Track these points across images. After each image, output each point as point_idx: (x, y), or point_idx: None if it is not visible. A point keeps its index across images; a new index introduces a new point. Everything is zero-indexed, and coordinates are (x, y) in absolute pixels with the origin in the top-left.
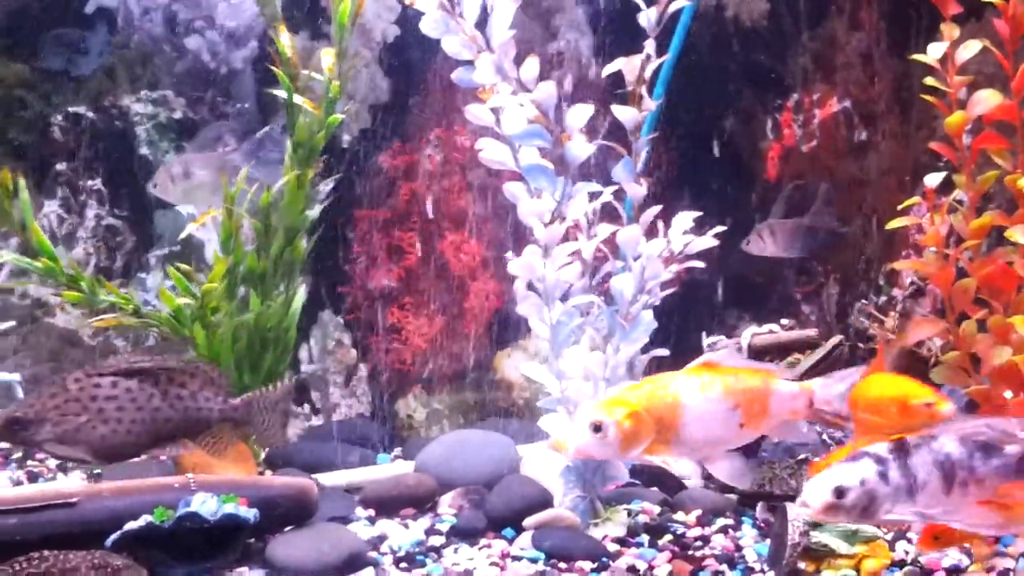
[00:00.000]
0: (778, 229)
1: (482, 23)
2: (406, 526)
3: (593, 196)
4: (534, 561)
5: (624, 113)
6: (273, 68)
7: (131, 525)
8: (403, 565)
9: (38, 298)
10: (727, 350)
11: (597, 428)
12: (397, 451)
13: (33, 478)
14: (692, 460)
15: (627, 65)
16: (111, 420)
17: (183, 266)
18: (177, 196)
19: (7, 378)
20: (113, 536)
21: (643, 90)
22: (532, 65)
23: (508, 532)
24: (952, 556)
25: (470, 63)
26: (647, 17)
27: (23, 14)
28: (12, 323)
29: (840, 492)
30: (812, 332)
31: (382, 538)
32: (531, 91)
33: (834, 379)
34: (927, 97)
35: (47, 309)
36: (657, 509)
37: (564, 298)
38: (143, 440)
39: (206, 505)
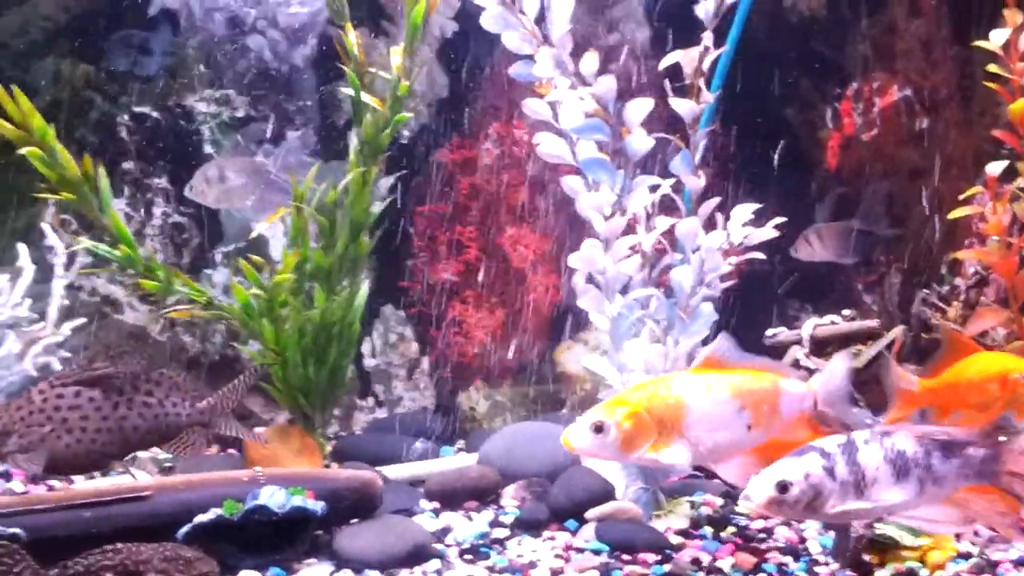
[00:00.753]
0: (826, 233)
1: (541, 17)
2: (470, 518)
3: (652, 189)
4: (597, 553)
5: (682, 106)
6: (342, 66)
7: (201, 518)
8: (467, 557)
9: (107, 295)
10: (729, 346)
11: (598, 429)
12: (460, 444)
13: (105, 472)
14: (701, 462)
15: (685, 57)
16: (75, 430)
17: (255, 258)
18: (213, 199)
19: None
20: (184, 529)
21: (701, 82)
22: (591, 59)
23: (571, 524)
24: (1020, 548)
25: (529, 58)
26: (705, 9)
27: (89, 16)
28: (82, 320)
29: (783, 487)
30: (874, 323)
31: (446, 530)
32: (590, 85)
33: (826, 377)
34: (990, 84)
35: (116, 306)
36: (720, 501)
37: (624, 291)
38: (110, 449)
39: (274, 498)
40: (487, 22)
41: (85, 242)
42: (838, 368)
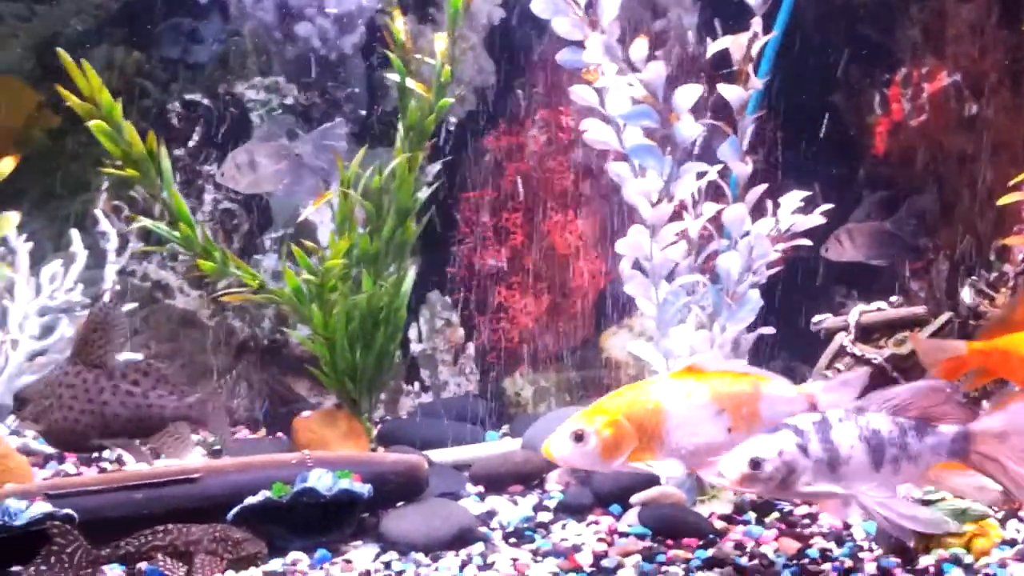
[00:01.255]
0: (857, 233)
1: (590, 3)
2: (515, 502)
3: (699, 175)
4: (641, 537)
5: (730, 92)
6: (388, 52)
7: (250, 500)
8: (512, 540)
9: (158, 280)
10: (713, 353)
11: (578, 438)
12: (505, 428)
13: (156, 455)
14: (685, 467)
15: (734, 43)
16: (64, 407)
17: (308, 243)
18: (243, 184)
19: (131, 357)
20: (233, 510)
21: (750, 68)
22: (641, 45)
23: (615, 508)
24: None
25: (578, 44)
26: None
27: (141, 4)
28: (134, 305)
29: (756, 464)
30: (921, 309)
31: (491, 514)
32: (639, 71)
33: (837, 383)
34: None
35: (167, 291)
36: None
37: (670, 277)
38: (89, 432)
39: (322, 481)
40: (538, 7)
41: (144, 221)
42: (852, 380)
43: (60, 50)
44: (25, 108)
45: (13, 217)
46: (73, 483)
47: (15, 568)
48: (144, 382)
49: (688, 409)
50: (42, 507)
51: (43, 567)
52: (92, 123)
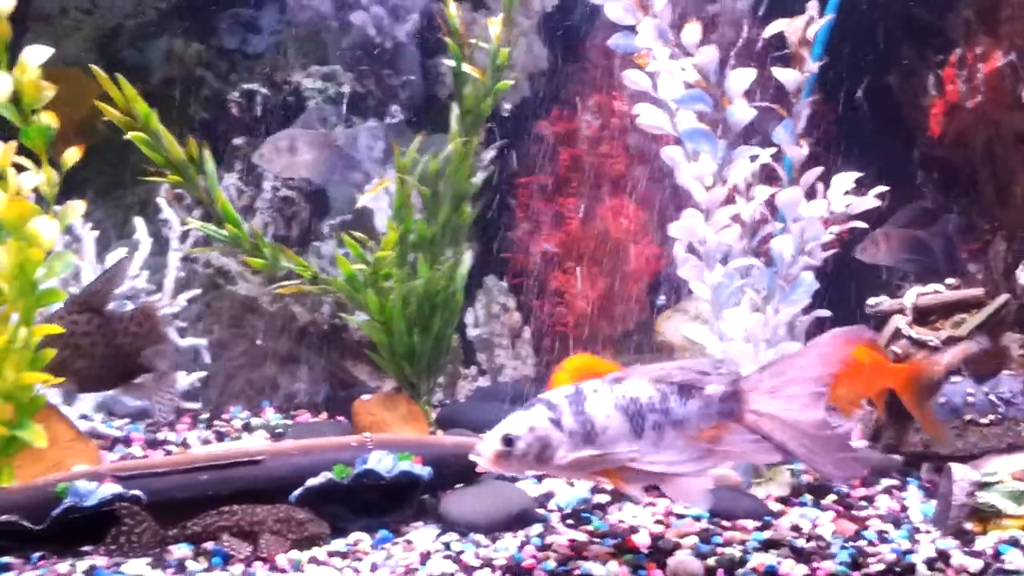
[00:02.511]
0: (892, 238)
1: None
2: (571, 484)
3: (753, 159)
4: (697, 519)
5: (786, 75)
6: (443, 38)
7: (313, 481)
8: (569, 522)
9: (220, 267)
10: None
11: (508, 442)
12: None
13: (220, 437)
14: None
15: (790, 26)
16: (86, 355)
17: (358, 234)
18: (279, 167)
19: (194, 343)
20: (296, 491)
21: (805, 51)
22: (694, 29)
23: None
24: None
25: (630, 28)
26: None
27: None
28: (197, 291)
29: (508, 440)
30: (978, 291)
31: (549, 495)
32: (692, 55)
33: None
34: None
35: (228, 277)
36: None
37: (724, 260)
38: (112, 373)
39: (382, 463)
40: None
41: (194, 222)
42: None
43: (94, 67)
44: (89, 100)
45: (79, 206)
46: (141, 465)
47: (85, 547)
48: (147, 323)
49: None
50: (111, 488)
51: (112, 546)
52: (131, 135)
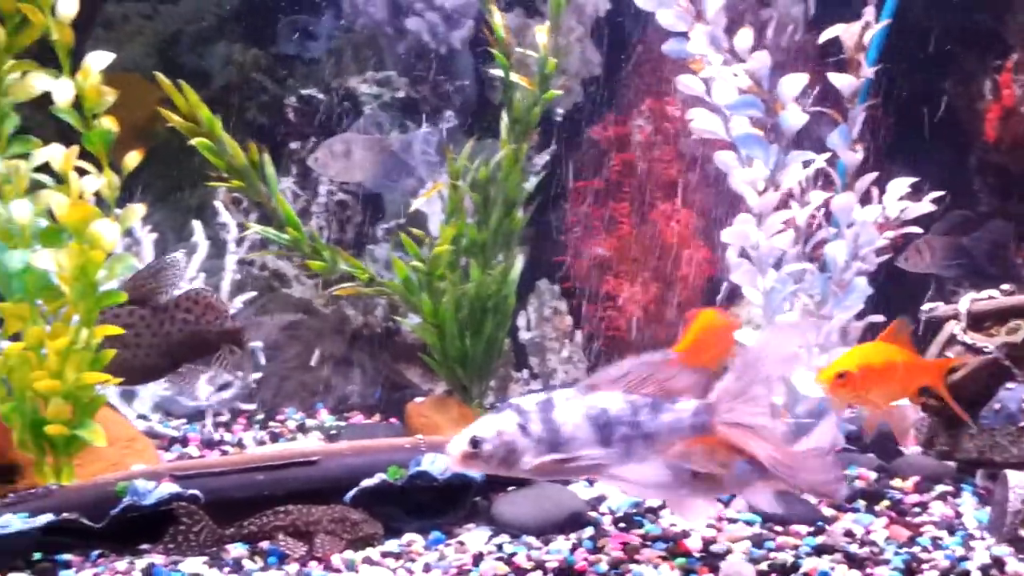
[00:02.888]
0: (934, 245)
1: None
2: None
3: (806, 164)
4: (750, 524)
5: (842, 80)
6: (490, 48)
7: (367, 482)
8: (621, 525)
9: (275, 270)
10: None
11: (475, 444)
12: None
13: (275, 438)
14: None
15: (846, 32)
16: (131, 347)
17: (415, 231)
18: (333, 171)
19: (250, 344)
20: (351, 492)
21: (861, 56)
22: (746, 35)
23: (723, 496)
24: None
25: (683, 35)
26: None
27: (258, 3)
28: (252, 293)
29: (476, 442)
30: None
31: (600, 499)
32: (744, 61)
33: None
34: None
35: (283, 280)
36: (874, 475)
37: (777, 265)
38: (160, 363)
39: (436, 464)
40: (642, 0)
41: (254, 227)
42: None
43: (157, 74)
44: (149, 104)
45: (139, 209)
46: (198, 465)
47: (143, 546)
48: (195, 309)
49: None
50: (169, 488)
51: (170, 545)
52: (195, 140)
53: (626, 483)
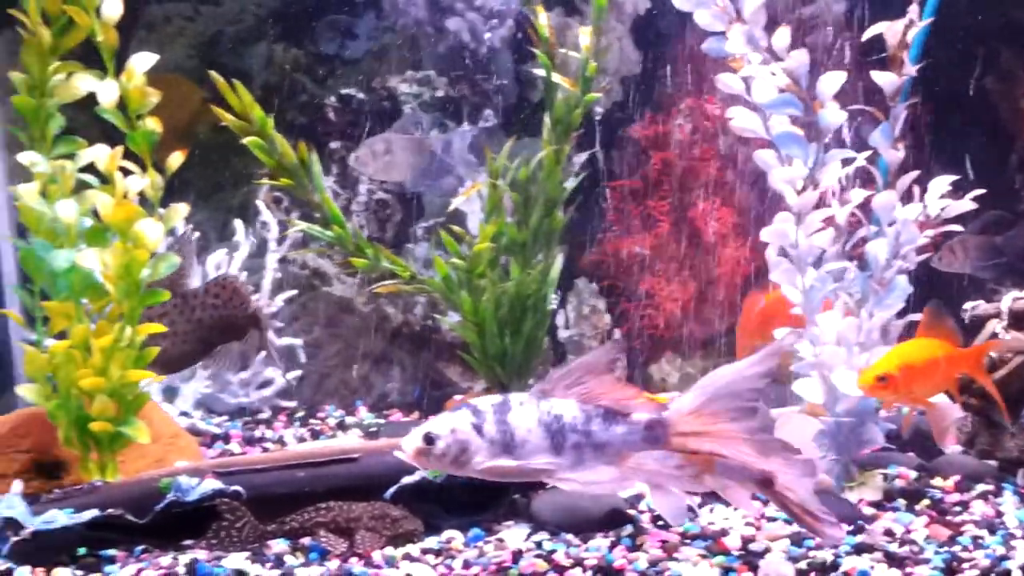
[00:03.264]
0: (967, 245)
1: None
2: None
3: (846, 162)
4: (789, 522)
5: (884, 78)
6: (532, 48)
7: (407, 479)
8: (660, 523)
9: (316, 268)
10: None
11: (429, 441)
12: None
13: (315, 435)
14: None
15: (889, 29)
16: (168, 337)
17: (455, 228)
18: (374, 170)
19: (291, 342)
20: (391, 489)
21: (904, 54)
22: (783, 34)
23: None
24: None
25: (722, 34)
26: None
27: (298, 3)
28: (294, 291)
29: (430, 439)
30: None
31: (639, 497)
32: (782, 59)
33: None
34: None
35: (324, 278)
36: (914, 474)
37: (817, 264)
38: (196, 348)
39: None
40: (679, 1)
41: (299, 224)
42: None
43: (213, 72)
44: (191, 105)
45: (182, 208)
46: (240, 462)
47: (187, 541)
48: (223, 294)
49: None
50: (212, 484)
51: (213, 541)
52: (247, 139)
53: (576, 485)
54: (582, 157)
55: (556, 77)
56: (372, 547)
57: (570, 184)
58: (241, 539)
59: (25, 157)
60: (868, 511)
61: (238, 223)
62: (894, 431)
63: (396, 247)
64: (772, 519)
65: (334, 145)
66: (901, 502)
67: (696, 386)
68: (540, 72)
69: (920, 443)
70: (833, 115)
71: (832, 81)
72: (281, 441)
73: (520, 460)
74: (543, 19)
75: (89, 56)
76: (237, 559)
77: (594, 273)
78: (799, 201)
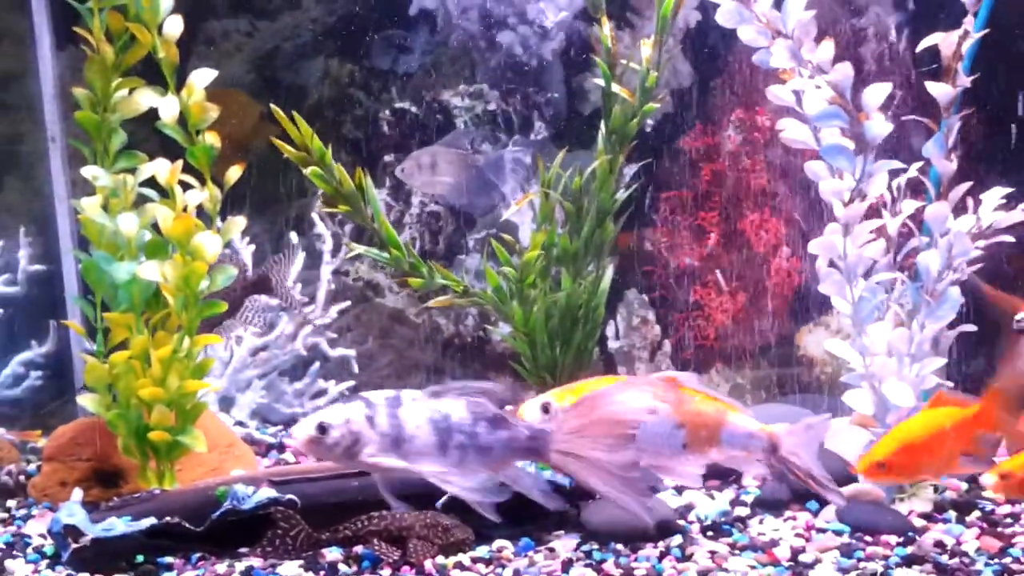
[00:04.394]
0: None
1: (778, 4)
2: (712, 497)
3: (895, 173)
4: (839, 534)
5: (938, 89)
6: (594, 57)
7: None
8: (710, 534)
9: (369, 280)
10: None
11: (322, 430)
12: None
13: None
14: None
15: (944, 41)
16: None
17: (506, 236)
18: (419, 183)
19: (344, 353)
20: (442, 498)
21: (958, 65)
22: (827, 48)
23: (812, 505)
24: None
25: (767, 48)
26: None
27: (354, 18)
28: (347, 303)
29: (323, 428)
30: None
31: (689, 507)
32: (827, 72)
33: (802, 427)
34: None
35: (377, 290)
36: (964, 486)
37: (867, 275)
38: None
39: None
40: (722, 18)
41: (358, 248)
42: (816, 425)
43: (274, 107)
44: (249, 119)
45: (240, 221)
46: (295, 471)
47: (242, 549)
48: None
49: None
50: (267, 493)
51: (268, 549)
52: (309, 170)
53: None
54: (633, 169)
55: (615, 87)
56: (425, 556)
57: (622, 195)
58: (296, 547)
59: (88, 171)
60: (918, 523)
61: (293, 235)
62: None
63: (448, 259)
64: (822, 530)
65: (388, 158)
66: (952, 514)
67: (584, 404)
68: (599, 82)
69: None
70: (879, 126)
71: (877, 92)
72: None
73: (408, 455)
74: (607, 30)
75: (148, 71)
76: (292, 567)
77: (643, 281)
78: (847, 212)
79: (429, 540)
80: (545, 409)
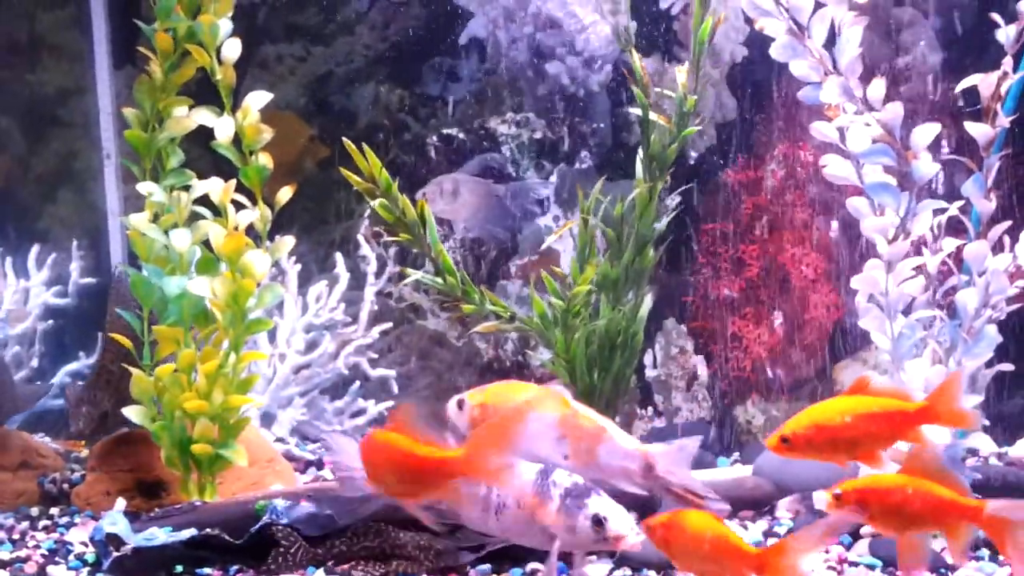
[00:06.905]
0: None
1: (829, 42)
2: (745, 527)
3: (938, 212)
4: (871, 568)
5: (977, 129)
6: (633, 87)
7: None
8: None
9: (412, 302)
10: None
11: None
12: (736, 455)
13: None
14: None
15: (983, 81)
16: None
17: (556, 268)
18: (440, 209)
19: (384, 373)
20: None
21: (998, 106)
22: (878, 86)
23: (845, 538)
24: None
25: (818, 83)
26: (1006, 34)
27: (405, 45)
28: (388, 324)
29: None
30: None
31: None
32: (877, 110)
33: (673, 448)
34: None
35: (419, 312)
36: None
37: (907, 311)
38: None
39: None
40: (776, 52)
41: (414, 274)
42: (687, 445)
43: (346, 140)
44: (299, 141)
45: (289, 241)
46: (332, 488)
47: (250, 569)
48: None
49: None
50: (305, 508)
51: (272, 567)
52: (376, 203)
53: None
54: (675, 199)
55: (652, 115)
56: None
57: (662, 224)
58: (295, 563)
59: (144, 187)
60: (951, 559)
61: (338, 256)
62: (979, 480)
63: (490, 283)
64: (854, 564)
65: None
66: (985, 551)
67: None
68: (636, 111)
69: (1007, 493)
70: (927, 166)
71: (926, 132)
72: None
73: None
74: (638, 60)
75: (199, 91)
76: None
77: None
78: (890, 250)
79: (418, 561)
80: (459, 405)
